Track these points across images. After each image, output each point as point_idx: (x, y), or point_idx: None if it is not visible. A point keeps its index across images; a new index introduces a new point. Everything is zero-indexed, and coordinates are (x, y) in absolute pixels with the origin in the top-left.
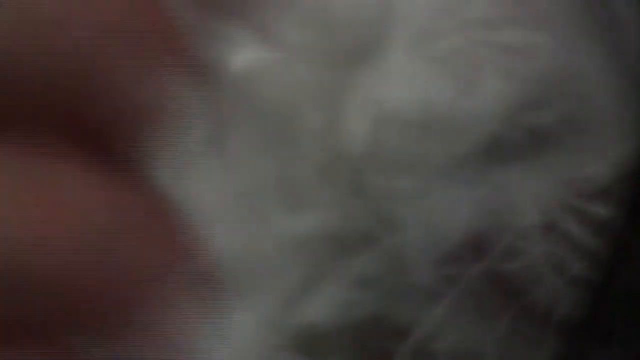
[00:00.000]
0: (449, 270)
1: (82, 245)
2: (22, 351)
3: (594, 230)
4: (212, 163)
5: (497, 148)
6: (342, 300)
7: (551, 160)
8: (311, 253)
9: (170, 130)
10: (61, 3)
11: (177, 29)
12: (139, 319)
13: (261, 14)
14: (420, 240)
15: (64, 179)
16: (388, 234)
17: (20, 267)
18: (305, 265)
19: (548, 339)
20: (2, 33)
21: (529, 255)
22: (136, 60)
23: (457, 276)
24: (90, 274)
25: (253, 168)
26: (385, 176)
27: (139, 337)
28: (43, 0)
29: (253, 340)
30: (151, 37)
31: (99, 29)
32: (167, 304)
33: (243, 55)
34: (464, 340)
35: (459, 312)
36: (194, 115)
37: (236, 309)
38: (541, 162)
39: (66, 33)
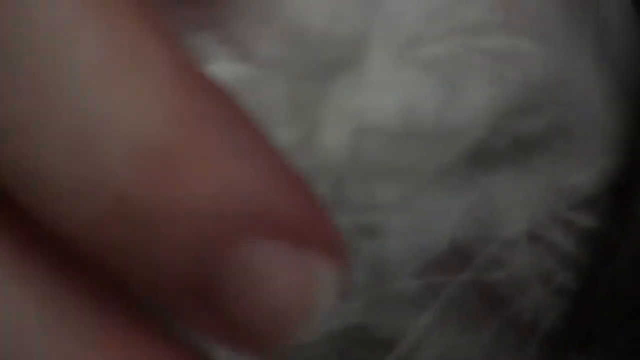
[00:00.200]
0: (433, 280)
1: None
2: None
3: (579, 240)
4: None
5: (483, 155)
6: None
7: (538, 168)
8: None
9: None
10: None
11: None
12: None
13: (236, 27)
14: (402, 249)
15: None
16: (370, 243)
17: None
18: None
19: (533, 348)
20: None
21: (514, 264)
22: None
23: (442, 285)
24: None
25: None
26: (366, 185)
27: None
28: None
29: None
30: (302, 221)
31: None
32: None
33: (218, 68)
34: (448, 351)
35: (443, 322)
36: None
37: None
38: (528, 170)
39: None
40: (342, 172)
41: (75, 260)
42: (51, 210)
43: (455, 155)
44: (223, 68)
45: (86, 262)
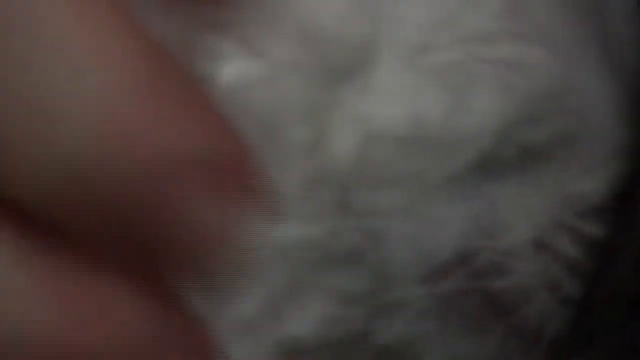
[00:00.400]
0: (437, 288)
1: (121, 356)
2: None
3: (585, 248)
4: None
5: (489, 164)
6: (326, 315)
7: (544, 176)
8: (292, 263)
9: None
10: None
11: (250, 160)
12: None
13: (249, 27)
14: (406, 256)
15: (109, 291)
16: (373, 250)
17: None
18: (287, 275)
19: (538, 356)
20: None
21: (519, 272)
22: (208, 191)
23: (446, 293)
24: None
25: None
26: (372, 192)
27: None
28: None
29: (233, 349)
30: (223, 166)
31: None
32: None
33: (230, 68)
34: (453, 358)
35: (448, 330)
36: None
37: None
38: (534, 179)
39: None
40: (349, 178)
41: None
42: (10, 175)
43: (462, 164)
44: (237, 67)
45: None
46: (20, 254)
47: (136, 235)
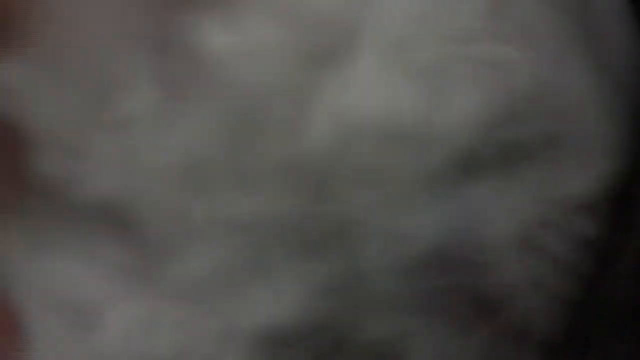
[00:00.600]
0: (417, 283)
1: None
2: None
3: (577, 247)
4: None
5: (471, 162)
6: (301, 303)
7: (528, 175)
8: (261, 240)
9: None
10: None
11: None
12: None
13: (236, 6)
14: (382, 248)
15: None
16: (348, 243)
17: None
18: (254, 253)
19: (525, 355)
20: None
21: (502, 270)
22: None
23: (427, 290)
24: None
25: (206, 143)
26: (348, 183)
27: None
28: None
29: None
30: None
31: None
32: None
33: (214, 43)
34: (438, 356)
35: (430, 327)
36: None
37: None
38: (516, 178)
39: None
40: (326, 167)
41: None
42: None
43: (441, 162)
44: (222, 42)
45: None
46: None
47: None
